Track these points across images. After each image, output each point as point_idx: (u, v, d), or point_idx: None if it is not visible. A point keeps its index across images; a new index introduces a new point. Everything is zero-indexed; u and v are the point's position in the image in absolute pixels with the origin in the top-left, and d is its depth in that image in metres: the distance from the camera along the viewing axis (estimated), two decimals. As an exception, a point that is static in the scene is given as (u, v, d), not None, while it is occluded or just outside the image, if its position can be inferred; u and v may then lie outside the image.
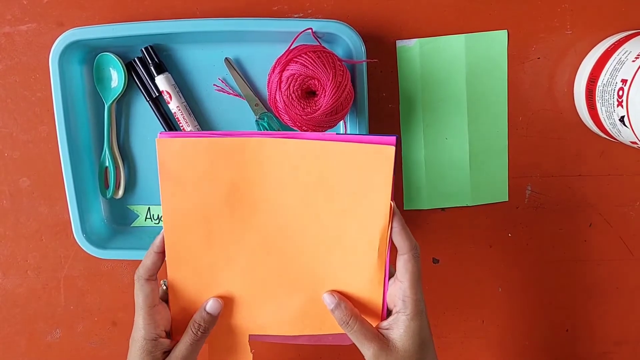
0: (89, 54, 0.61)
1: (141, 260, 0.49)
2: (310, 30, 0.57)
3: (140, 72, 0.61)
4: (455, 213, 0.66)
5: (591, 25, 0.62)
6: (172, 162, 0.47)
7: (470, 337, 0.69)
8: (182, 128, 0.61)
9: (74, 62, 0.60)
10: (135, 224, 0.65)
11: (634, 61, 0.53)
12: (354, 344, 0.49)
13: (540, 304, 0.68)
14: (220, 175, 0.47)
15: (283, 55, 0.56)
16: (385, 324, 0.49)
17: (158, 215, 0.65)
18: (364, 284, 0.50)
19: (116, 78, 0.61)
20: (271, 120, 0.62)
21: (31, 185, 0.65)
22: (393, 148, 0.46)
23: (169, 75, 0.61)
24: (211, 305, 0.50)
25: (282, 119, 0.58)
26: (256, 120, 0.62)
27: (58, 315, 0.68)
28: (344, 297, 0.50)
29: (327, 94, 0.55)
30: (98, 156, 0.63)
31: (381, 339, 0.47)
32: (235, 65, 0.62)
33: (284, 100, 0.56)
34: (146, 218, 0.65)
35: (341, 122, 0.62)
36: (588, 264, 0.67)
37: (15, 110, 0.63)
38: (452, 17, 0.62)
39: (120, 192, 0.64)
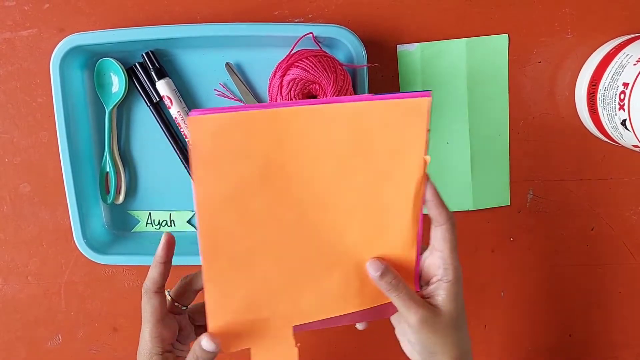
0: (90, 60, 0.61)
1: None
2: (311, 35, 0.57)
3: (141, 77, 0.61)
4: (457, 217, 0.65)
5: (592, 29, 0.62)
6: (205, 140, 0.43)
7: (473, 342, 0.69)
8: (183, 133, 0.61)
9: (74, 67, 0.60)
10: (136, 229, 0.65)
11: (635, 64, 0.53)
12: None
13: (543, 308, 0.68)
14: (255, 151, 0.44)
15: (284, 59, 0.56)
16: (425, 292, 0.48)
17: (159, 220, 0.65)
18: (398, 245, 0.49)
19: (117, 83, 0.61)
20: (272, 125, 0.62)
21: (32, 191, 0.65)
22: (428, 100, 0.44)
23: (170, 80, 0.61)
24: (205, 344, 0.46)
25: (283, 124, 0.58)
26: (257, 125, 0.62)
27: (59, 321, 0.67)
28: (387, 262, 0.48)
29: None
30: (99, 161, 0.63)
31: (427, 304, 0.47)
32: (236, 70, 0.62)
33: (285, 105, 0.56)
34: (147, 223, 0.65)
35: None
36: (590, 268, 0.67)
37: (16, 116, 0.63)
38: (453, 21, 0.62)
39: (121, 198, 0.64)
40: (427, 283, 0.49)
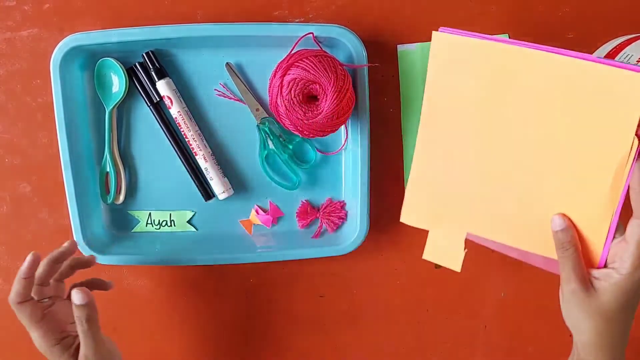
0: (90, 60, 0.61)
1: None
2: (311, 35, 0.57)
3: (141, 77, 0.61)
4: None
5: (592, 29, 0.62)
6: (443, 54, 0.52)
7: (474, 343, 0.69)
8: (183, 133, 0.61)
9: (75, 67, 0.60)
10: (136, 229, 0.65)
11: (636, 64, 0.53)
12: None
13: (544, 309, 0.68)
14: (481, 75, 0.51)
15: (284, 59, 0.56)
16: (595, 272, 0.48)
17: (159, 220, 0.65)
18: (590, 214, 0.50)
19: (117, 83, 0.61)
20: (272, 125, 0.62)
21: (32, 191, 0.65)
22: None
23: (170, 80, 0.61)
24: (75, 297, 0.52)
25: (284, 124, 0.58)
26: (257, 125, 0.62)
27: (58, 321, 0.67)
28: (573, 227, 0.50)
29: (328, 98, 0.55)
30: (99, 161, 0.63)
31: (587, 281, 0.47)
32: (237, 70, 0.61)
33: (285, 105, 0.56)
34: (147, 223, 0.65)
35: (342, 128, 0.62)
36: (591, 269, 0.67)
37: (16, 116, 0.63)
38: (454, 21, 0.62)
39: (121, 198, 0.64)
40: (604, 266, 0.49)
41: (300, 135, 0.58)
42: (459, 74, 0.51)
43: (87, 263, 0.59)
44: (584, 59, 0.47)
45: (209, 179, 0.62)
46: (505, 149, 0.52)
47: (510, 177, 0.52)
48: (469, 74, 0.51)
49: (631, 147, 0.46)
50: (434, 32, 0.51)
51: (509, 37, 0.62)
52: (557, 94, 0.49)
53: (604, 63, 0.46)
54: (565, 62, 0.48)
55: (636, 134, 0.45)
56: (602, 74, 0.46)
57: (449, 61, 0.52)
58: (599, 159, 0.48)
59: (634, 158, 0.46)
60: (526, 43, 0.48)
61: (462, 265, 0.67)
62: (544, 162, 0.51)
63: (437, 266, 0.67)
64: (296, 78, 0.55)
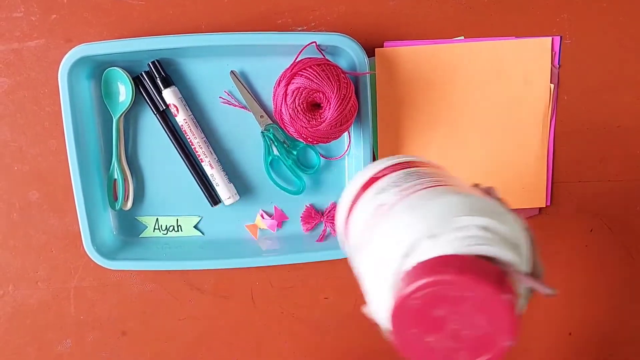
0: (97, 69, 0.62)
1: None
2: (314, 44, 0.58)
3: (147, 86, 0.62)
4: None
5: (589, 34, 0.63)
6: (389, 65, 0.62)
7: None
8: (189, 140, 0.62)
9: (82, 77, 0.61)
10: (144, 234, 0.66)
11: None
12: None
13: (543, 308, 0.69)
14: (425, 75, 0.62)
15: (288, 68, 0.57)
16: None
17: (166, 225, 0.66)
18: (531, 164, 0.64)
19: (124, 92, 0.62)
20: (277, 131, 0.63)
21: (41, 198, 0.66)
22: (549, 39, 0.60)
23: (176, 88, 0.62)
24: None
25: (288, 131, 0.59)
26: (262, 132, 0.63)
27: (68, 325, 0.68)
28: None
29: (331, 106, 0.56)
30: (107, 169, 0.64)
31: None
32: (241, 78, 0.63)
33: (289, 113, 0.57)
34: (154, 229, 0.66)
35: (345, 134, 0.63)
36: (589, 269, 0.68)
37: (24, 125, 0.64)
38: (453, 28, 0.63)
39: (129, 204, 0.65)
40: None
41: (304, 142, 0.59)
42: (405, 79, 0.62)
43: None
44: (499, 39, 0.60)
45: (215, 185, 0.63)
46: (457, 131, 0.63)
47: (466, 156, 0.63)
48: (415, 76, 0.61)
49: (550, 94, 0.61)
50: (377, 50, 0.61)
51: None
52: (487, 71, 0.61)
53: (513, 38, 0.60)
54: (486, 45, 0.61)
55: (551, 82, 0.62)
56: (516, 46, 0.61)
57: (395, 70, 0.61)
58: (529, 112, 0.62)
59: (554, 101, 0.61)
60: (457, 39, 0.60)
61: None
62: (491, 131, 0.63)
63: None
64: (300, 87, 0.56)
